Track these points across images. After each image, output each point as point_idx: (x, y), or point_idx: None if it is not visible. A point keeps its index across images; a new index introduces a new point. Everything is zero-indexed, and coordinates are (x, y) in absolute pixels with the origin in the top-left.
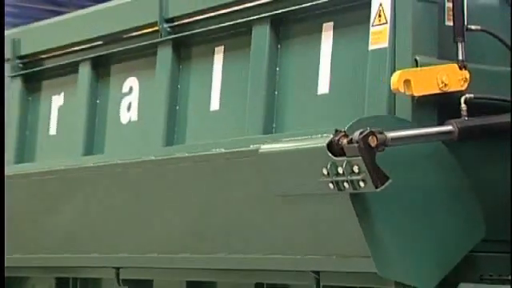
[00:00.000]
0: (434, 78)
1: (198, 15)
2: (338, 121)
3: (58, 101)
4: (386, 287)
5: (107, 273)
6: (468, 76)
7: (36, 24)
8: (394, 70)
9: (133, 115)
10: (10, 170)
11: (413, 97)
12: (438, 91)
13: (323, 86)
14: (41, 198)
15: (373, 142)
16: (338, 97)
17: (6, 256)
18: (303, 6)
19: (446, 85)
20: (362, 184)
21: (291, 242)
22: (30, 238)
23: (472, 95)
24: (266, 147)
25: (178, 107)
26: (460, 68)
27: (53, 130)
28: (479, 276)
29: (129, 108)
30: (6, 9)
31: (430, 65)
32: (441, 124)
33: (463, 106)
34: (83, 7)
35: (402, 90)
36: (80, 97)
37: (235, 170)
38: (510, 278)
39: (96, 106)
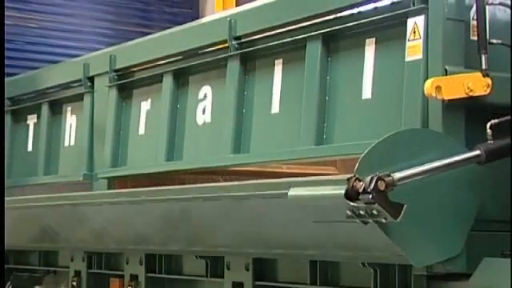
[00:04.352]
0: (461, 85)
1: (261, 33)
2: (379, 121)
3: (145, 106)
4: None
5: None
6: (490, 82)
7: (128, 43)
8: (427, 78)
9: (207, 117)
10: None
11: (443, 100)
12: (465, 96)
13: (367, 92)
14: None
15: (382, 186)
16: (379, 101)
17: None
18: (350, 24)
19: (471, 90)
20: (383, 220)
21: (342, 243)
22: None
23: (497, 120)
24: (293, 192)
25: (244, 110)
26: (483, 76)
27: (141, 130)
28: (500, 251)
29: (204, 111)
30: (104, 31)
31: (457, 73)
32: (468, 147)
33: (489, 131)
34: (166, 28)
35: (434, 95)
36: (164, 102)
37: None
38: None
39: (177, 110)
